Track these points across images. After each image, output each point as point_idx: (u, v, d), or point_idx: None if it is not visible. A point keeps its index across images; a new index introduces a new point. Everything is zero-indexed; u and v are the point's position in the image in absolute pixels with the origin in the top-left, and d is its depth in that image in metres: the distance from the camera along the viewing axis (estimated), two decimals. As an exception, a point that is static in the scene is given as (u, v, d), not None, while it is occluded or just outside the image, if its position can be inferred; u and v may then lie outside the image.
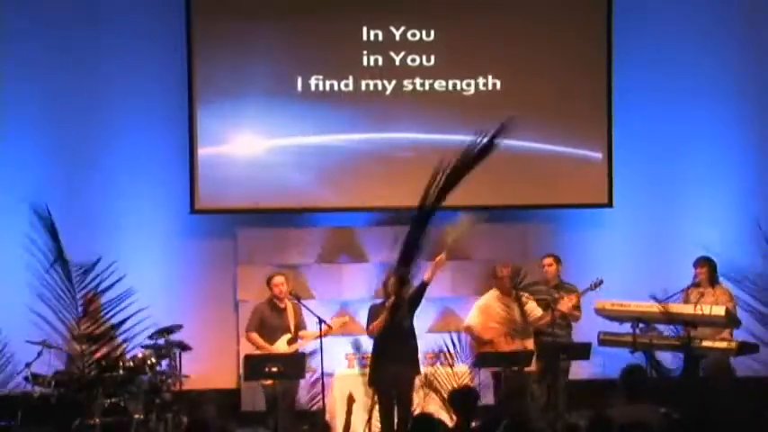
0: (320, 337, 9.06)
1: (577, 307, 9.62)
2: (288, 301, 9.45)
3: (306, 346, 9.43)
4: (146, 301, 8.30)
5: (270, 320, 9.44)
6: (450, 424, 7.04)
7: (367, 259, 10.59)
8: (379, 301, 9.30)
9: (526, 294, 9.49)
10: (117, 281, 7.57)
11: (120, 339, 9.00)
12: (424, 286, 9.18)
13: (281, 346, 9.36)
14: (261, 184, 10.47)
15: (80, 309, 8.75)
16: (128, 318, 7.98)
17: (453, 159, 5.94)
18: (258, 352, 9.33)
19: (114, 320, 8.20)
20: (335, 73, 10.54)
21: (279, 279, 9.47)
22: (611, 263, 10.45)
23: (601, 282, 9.55)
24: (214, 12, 10.46)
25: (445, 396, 8.12)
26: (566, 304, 9.52)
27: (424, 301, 9.32)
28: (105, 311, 9.05)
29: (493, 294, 9.57)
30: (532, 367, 9.21)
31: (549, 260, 9.85)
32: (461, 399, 6.94)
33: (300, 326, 9.48)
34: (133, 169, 10.45)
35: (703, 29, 10.85)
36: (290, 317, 9.45)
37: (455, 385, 8.24)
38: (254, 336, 9.44)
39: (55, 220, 8.11)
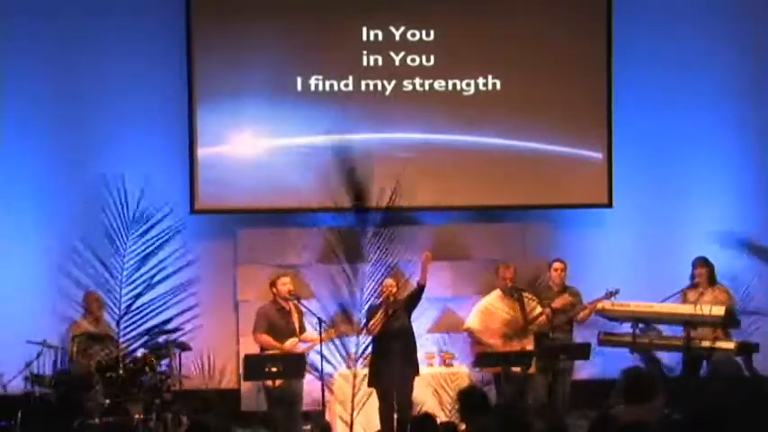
0: (320, 339, 9.03)
1: (573, 304, 9.60)
2: (290, 302, 9.40)
3: (308, 347, 9.35)
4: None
5: (277, 322, 9.33)
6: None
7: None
8: (378, 301, 9.29)
9: (529, 295, 9.48)
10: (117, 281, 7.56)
11: (119, 339, 9.00)
12: (420, 288, 9.17)
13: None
14: (261, 184, 10.47)
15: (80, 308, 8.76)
16: (128, 317, 8.00)
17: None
18: (271, 352, 9.25)
19: (114, 320, 8.22)
20: (335, 73, 10.54)
21: (285, 279, 9.41)
22: (610, 263, 10.46)
23: (617, 291, 9.47)
24: (214, 12, 10.46)
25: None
26: (559, 302, 9.52)
27: (424, 300, 9.32)
28: (106, 311, 9.02)
29: (495, 295, 9.56)
30: (532, 368, 9.20)
31: (560, 264, 9.80)
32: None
33: (302, 327, 9.43)
34: (133, 169, 10.42)
35: (703, 29, 10.85)
36: (294, 318, 9.41)
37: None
38: (266, 337, 9.30)
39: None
